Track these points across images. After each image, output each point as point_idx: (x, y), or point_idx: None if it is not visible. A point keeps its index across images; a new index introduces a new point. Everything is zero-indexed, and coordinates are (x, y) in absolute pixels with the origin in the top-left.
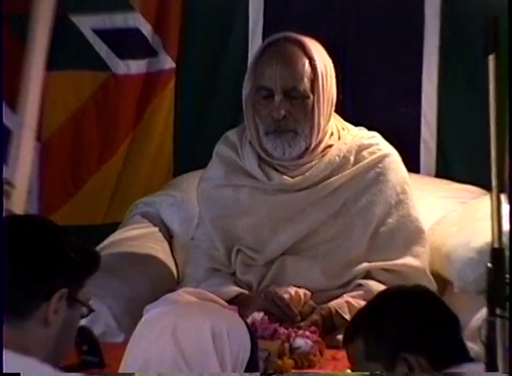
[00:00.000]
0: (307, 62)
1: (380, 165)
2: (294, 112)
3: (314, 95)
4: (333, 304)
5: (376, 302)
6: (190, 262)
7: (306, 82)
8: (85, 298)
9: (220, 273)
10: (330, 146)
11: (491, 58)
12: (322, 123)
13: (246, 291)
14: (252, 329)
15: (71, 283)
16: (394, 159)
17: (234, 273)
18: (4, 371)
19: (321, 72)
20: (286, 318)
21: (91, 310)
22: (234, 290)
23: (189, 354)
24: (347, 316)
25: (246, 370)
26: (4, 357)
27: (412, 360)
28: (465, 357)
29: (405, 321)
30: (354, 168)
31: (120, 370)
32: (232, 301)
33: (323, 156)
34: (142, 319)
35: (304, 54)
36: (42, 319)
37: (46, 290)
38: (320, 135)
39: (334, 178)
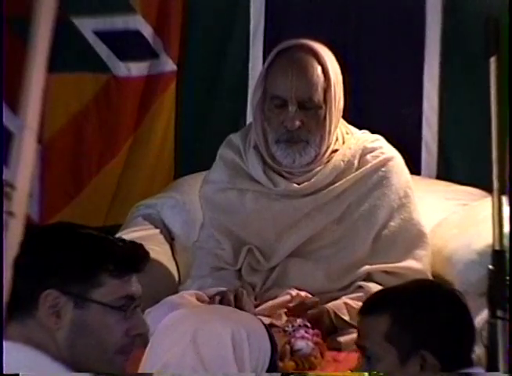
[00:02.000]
0: (320, 71)
1: (383, 169)
2: (307, 122)
3: (326, 105)
4: (331, 305)
5: (418, 291)
6: (195, 264)
7: (320, 92)
8: (107, 298)
9: (222, 272)
10: (335, 150)
11: (492, 60)
12: (332, 131)
13: (225, 290)
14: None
15: (71, 282)
16: (397, 162)
17: (239, 270)
18: (4, 372)
19: (333, 81)
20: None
21: (120, 307)
22: (215, 289)
23: (209, 360)
24: (347, 317)
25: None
26: (8, 349)
27: (429, 360)
28: (470, 362)
29: (438, 320)
30: (358, 172)
31: (140, 370)
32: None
33: (328, 161)
34: (162, 322)
35: (318, 63)
36: (38, 318)
37: (31, 291)
38: (329, 143)
39: (339, 183)
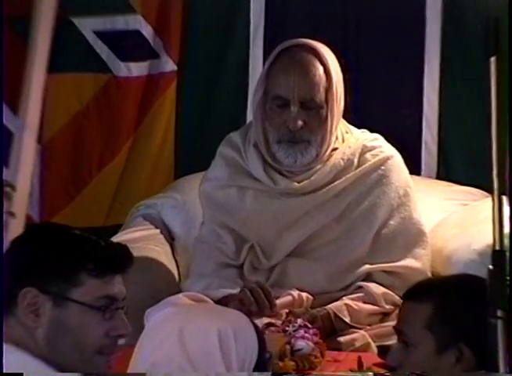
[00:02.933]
0: (322, 71)
1: (382, 168)
2: (309, 122)
3: (328, 105)
4: (332, 307)
5: (464, 284)
6: (196, 258)
7: (322, 92)
8: (86, 298)
9: (226, 271)
10: (335, 149)
11: (492, 60)
12: (333, 131)
13: (235, 292)
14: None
15: (50, 281)
16: (396, 161)
17: (241, 267)
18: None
19: (335, 81)
20: (259, 309)
21: (100, 307)
22: (222, 292)
23: (196, 358)
24: (347, 319)
25: (254, 371)
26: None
27: (467, 354)
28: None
29: (481, 316)
30: (357, 171)
31: (129, 370)
32: (223, 301)
33: (328, 160)
34: (149, 322)
35: (320, 63)
36: (16, 316)
37: (11, 289)
38: (330, 142)
39: (338, 181)
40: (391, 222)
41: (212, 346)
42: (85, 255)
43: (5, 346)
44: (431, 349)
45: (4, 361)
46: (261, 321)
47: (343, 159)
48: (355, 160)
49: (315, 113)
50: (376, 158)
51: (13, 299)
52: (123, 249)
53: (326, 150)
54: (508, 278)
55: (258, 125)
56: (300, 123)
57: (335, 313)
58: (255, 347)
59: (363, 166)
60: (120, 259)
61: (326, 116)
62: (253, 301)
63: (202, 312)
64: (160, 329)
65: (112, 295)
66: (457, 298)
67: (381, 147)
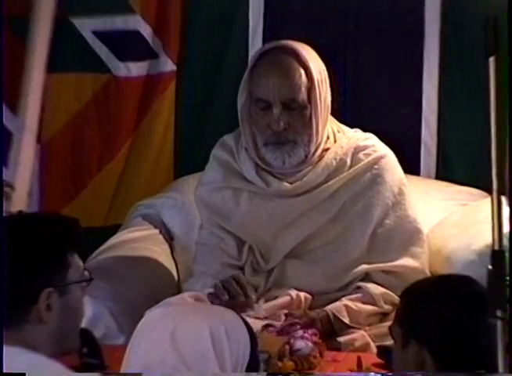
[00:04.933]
0: (303, 72)
1: (376, 167)
2: (293, 123)
3: (311, 105)
4: (331, 308)
5: (433, 283)
6: (199, 259)
7: (303, 92)
8: (77, 275)
9: (228, 272)
10: (327, 149)
11: (491, 60)
12: (320, 130)
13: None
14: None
15: (54, 274)
16: (390, 160)
17: (242, 269)
18: (4, 371)
19: (317, 80)
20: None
21: (90, 279)
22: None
23: (189, 358)
24: (346, 320)
25: (246, 371)
26: (11, 353)
27: (422, 352)
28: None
29: (436, 316)
30: (351, 171)
31: (122, 370)
32: None
33: (320, 160)
34: (141, 322)
35: (300, 64)
36: (37, 319)
37: (30, 296)
38: (318, 142)
39: (332, 181)
40: (387, 221)
41: (205, 346)
42: (65, 237)
43: (22, 351)
44: (399, 344)
45: (20, 364)
46: (261, 322)
47: (335, 159)
48: (348, 160)
49: (298, 113)
50: (370, 157)
51: (29, 304)
52: (69, 218)
53: (316, 150)
54: (508, 278)
55: (246, 129)
56: (282, 124)
57: (334, 314)
58: (247, 344)
59: (357, 166)
60: (76, 228)
61: (311, 116)
62: (225, 293)
63: (193, 312)
64: (151, 330)
65: (84, 266)
66: (417, 296)
67: (374, 146)
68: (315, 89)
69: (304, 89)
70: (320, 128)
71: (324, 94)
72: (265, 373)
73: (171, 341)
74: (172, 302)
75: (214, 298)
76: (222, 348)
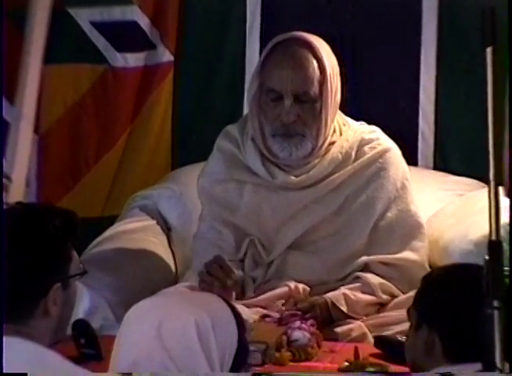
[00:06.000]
0: (316, 65)
1: (380, 160)
2: (303, 116)
3: (322, 98)
4: (330, 296)
5: (449, 270)
6: (196, 253)
7: (316, 86)
8: (76, 268)
9: None
10: (333, 142)
11: (488, 50)
12: (328, 124)
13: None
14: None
15: (61, 268)
16: (394, 154)
17: (241, 261)
18: (4, 371)
19: (329, 74)
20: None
21: (84, 272)
22: None
23: (176, 353)
24: (344, 308)
25: (235, 358)
26: (10, 344)
27: (431, 336)
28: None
29: (449, 302)
30: (355, 164)
31: (111, 365)
32: None
33: (326, 153)
34: (127, 315)
35: (314, 56)
36: (43, 313)
37: (40, 290)
38: (325, 135)
39: (337, 174)
40: (389, 215)
41: (191, 340)
42: (68, 230)
43: (22, 341)
44: (413, 327)
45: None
46: (258, 312)
47: (341, 153)
48: (353, 154)
49: (309, 106)
50: (374, 151)
51: (35, 300)
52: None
53: (323, 144)
54: (505, 268)
55: (254, 119)
56: (293, 116)
57: (332, 302)
58: (234, 331)
59: (361, 159)
60: (78, 223)
61: (321, 109)
62: (212, 280)
63: (179, 304)
64: (138, 324)
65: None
66: (432, 282)
67: (379, 140)
68: (327, 83)
69: (316, 82)
70: (329, 122)
71: (335, 88)
72: (249, 373)
73: (157, 338)
74: (160, 293)
75: (205, 287)
76: (208, 340)
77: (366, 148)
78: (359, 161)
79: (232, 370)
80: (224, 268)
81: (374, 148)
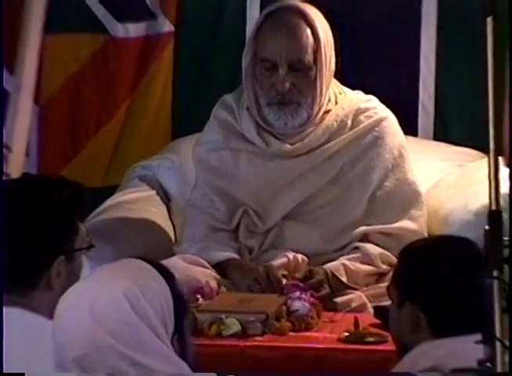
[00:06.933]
0: (309, 32)
1: (377, 129)
2: (298, 84)
3: (317, 66)
4: (330, 266)
5: (429, 244)
6: (188, 222)
7: (310, 54)
8: (82, 241)
9: (219, 235)
10: (328, 111)
11: (489, 20)
12: (323, 92)
13: (236, 256)
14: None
15: (66, 240)
16: (391, 122)
17: (233, 231)
18: (4, 370)
19: (323, 41)
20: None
21: (90, 246)
22: (223, 255)
23: (118, 332)
24: (344, 279)
25: (176, 314)
26: (11, 314)
27: (415, 311)
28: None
29: (430, 276)
30: (351, 133)
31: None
32: (223, 264)
33: (321, 121)
34: (62, 300)
35: (307, 24)
36: (47, 285)
37: (43, 262)
38: (321, 104)
39: (332, 143)
40: (387, 184)
41: (126, 314)
42: (75, 202)
43: (22, 312)
44: (395, 304)
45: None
46: None
47: (336, 121)
48: (349, 122)
49: (304, 74)
50: (371, 120)
51: (38, 272)
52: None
53: (318, 112)
54: (505, 238)
55: (249, 88)
56: (288, 85)
57: (332, 273)
58: (165, 287)
59: (357, 128)
60: (86, 195)
61: (315, 77)
62: (266, 279)
63: (109, 280)
64: (72, 309)
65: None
66: (412, 257)
67: (375, 109)
68: (321, 51)
69: (310, 50)
70: (324, 90)
71: (329, 56)
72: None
73: (94, 321)
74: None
75: (256, 283)
76: (144, 308)
77: (362, 117)
78: (355, 130)
79: (176, 326)
80: (274, 275)
81: (370, 117)
